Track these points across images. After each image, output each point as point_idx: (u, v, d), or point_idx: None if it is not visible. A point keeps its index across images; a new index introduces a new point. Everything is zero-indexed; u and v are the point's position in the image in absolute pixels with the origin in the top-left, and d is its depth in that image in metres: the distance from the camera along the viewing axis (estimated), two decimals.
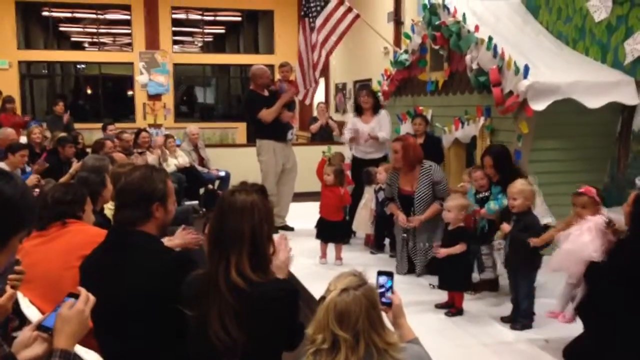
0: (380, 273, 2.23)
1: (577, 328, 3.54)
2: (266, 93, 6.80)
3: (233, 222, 2.04)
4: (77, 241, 2.78)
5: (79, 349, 2.31)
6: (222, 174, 9.19)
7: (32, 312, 2.64)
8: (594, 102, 5.07)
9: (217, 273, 2.01)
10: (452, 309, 4.29)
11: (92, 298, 1.72)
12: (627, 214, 3.18)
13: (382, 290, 2.17)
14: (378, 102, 6.62)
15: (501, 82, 5.27)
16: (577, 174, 5.38)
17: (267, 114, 6.66)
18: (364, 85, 6.92)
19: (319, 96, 12.19)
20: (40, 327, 1.65)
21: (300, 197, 7.46)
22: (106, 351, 2.37)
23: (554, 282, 4.66)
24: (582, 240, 3.36)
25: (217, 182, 9.07)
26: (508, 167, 4.56)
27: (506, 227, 4.04)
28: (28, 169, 7.25)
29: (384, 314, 1.98)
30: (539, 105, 4.96)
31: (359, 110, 6.54)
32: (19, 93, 13.13)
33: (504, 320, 4.09)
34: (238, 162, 9.05)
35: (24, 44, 14.06)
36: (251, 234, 2.04)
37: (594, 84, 5.11)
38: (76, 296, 1.71)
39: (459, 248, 4.22)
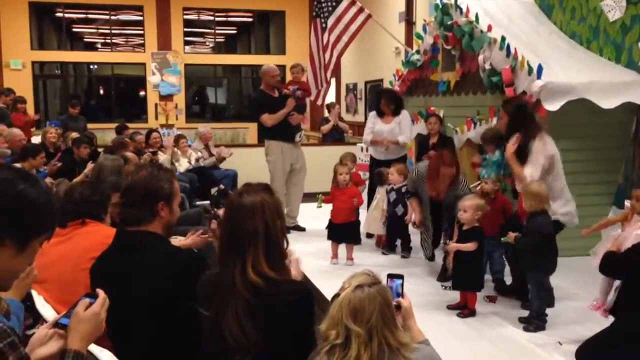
0: (390, 275, 2.22)
1: (590, 329, 3.52)
2: (276, 94, 6.78)
3: (246, 223, 2.04)
4: (88, 243, 2.77)
5: (93, 348, 2.32)
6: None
7: (47, 311, 2.64)
8: (608, 103, 5.03)
9: (233, 273, 2.01)
10: (465, 310, 4.26)
11: (107, 301, 1.73)
12: None
13: (393, 292, 2.17)
14: (399, 104, 6.50)
15: (514, 82, 5.24)
16: (591, 175, 5.35)
17: (267, 119, 6.66)
18: (383, 92, 6.79)
19: (330, 96, 12.20)
20: (57, 324, 1.66)
21: (312, 197, 7.45)
22: (120, 352, 2.38)
23: (570, 284, 4.65)
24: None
25: (227, 181, 9.07)
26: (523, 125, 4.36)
27: (512, 235, 4.03)
28: (42, 168, 7.31)
29: None
30: (552, 106, 4.94)
31: (380, 113, 6.48)
32: (32, 93, 13.24)
33: (521, 320, 4.07)
34: (248, 162, 9.07)
35: (37, 44, 14.18)
36: (265, 231, 2.05)
37: (608, 84, 5.07)
38: (93, 296, 1.71)
39: (470, 246, 4.20)
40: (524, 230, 3.98)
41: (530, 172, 4.23)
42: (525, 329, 3.95)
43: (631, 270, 3.10)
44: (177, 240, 3.18)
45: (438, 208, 5.16)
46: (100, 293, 1.72)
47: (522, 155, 4.32)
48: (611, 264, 3.28)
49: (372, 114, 6.61)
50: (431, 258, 5.51)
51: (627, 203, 3.87)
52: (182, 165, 8.40)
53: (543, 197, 3.97)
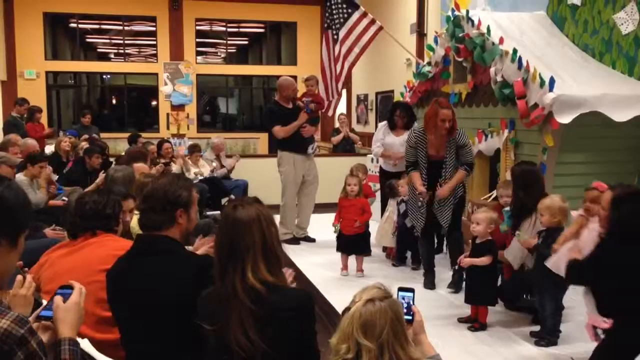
0: (401, 289, 2.22)
1: None
2: (290, 105, 6.82)
3: (244, 235, 2.08)
4: (98, 255, 2.79)
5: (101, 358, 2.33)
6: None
7: None
8: (621, 116, 5.00)
9: (233, 281, 2.04)
10: (476, 323, 4.23)
11: (84, 290, 1.88)
12: (603, 217, 3.18)
13: (403, 306, 2.16)
14: (412, 118, 6.50)
15: (526, 95, 5.22)
16: None
17: (279, 131, 6.69)
18: (399, 104, 6.77)
19: (341, 107, 12.21)
20: (40, 317, 1.80)
21: (322, 208, 7.46)
22: (136, 358, 2.39)
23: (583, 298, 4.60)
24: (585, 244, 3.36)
25: (237, 190, 9.10)
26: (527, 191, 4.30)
27: (531, 241, 3.99)
28: (55, 177, 7.35)
29: None
30: (564, 118, 4.91)
31: (392, 125, 6.47)
32: (45, 103, 13.35)
33: (532, 335, 4.03)
34: (258, 172, 9.09)
35: (51, 54, 14.31)
36: (262, 240, 2.10)
37: (621, 97, 5.05)
38: (68, 287, 1.87)
39: (484, 260, 4.16)
40: (545, 242, 3.89)
41: None
42: (537, 344, 3.92)
43: (599, 275, 3.07)
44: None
45: (437, 166, 5.08)
46: (75, 284, 1.88)
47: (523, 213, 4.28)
48: (577, 271, 3.24)
49: (382, 125, 6.61)
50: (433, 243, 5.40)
51: (574, 213, 3.81)
52: (193, 175, 8.44)
53: (566, 213, 3.94)
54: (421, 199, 5.08)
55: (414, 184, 5.15)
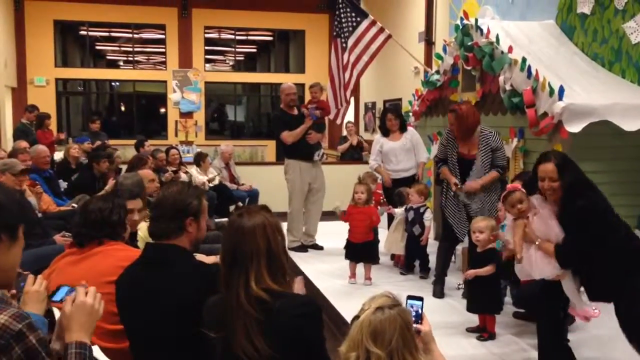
0: (409, 297, 2.20)
1: (615, 349, 3.45)
2: (296, 112, 6.85)
3: (248, 243, 2.07)
4: (104, 265, 2.72)
5: None
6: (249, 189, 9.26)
7: None
8: (630, 125, 4.98)
9: (237, 290, 2.03)
10: (484, 333, 4.21)
11: (92, 290, 1.86)
12: (557, 187, 3.28)
13: (412, 315, 2.15)
14: (404, 121, 6.63)
15: (535, 103, 5.21)
16: (613, 198, 5.21)
17: (287, 136, 6.73)
18: (388, 109, 6.92)
19: (348, 115, 12.23)
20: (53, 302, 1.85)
21: (330, 215, 7.45)
22: None
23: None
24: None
25: (247, 200, 9.12)
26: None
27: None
28: (64, 184, 7.38)
29: None
30: (574, 127, 4.90)
31: (385, 132, 6.54)
32: (55, 110, 13.45)
33: None
34: (266, 180, 9.11)
35: (61, 61, 14.42)
36: (267, 248, 2.08)
37: (630, 106, 5.03)
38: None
39: (488, 269, 4.15)
40: None
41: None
42: None
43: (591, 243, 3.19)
44: (202, 258, 3.20)
45: (469, 165, 5.06)
46: (80, 288, 1.86)
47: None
48: (568, 252, 3.26)
49: (377, 137, 6.71)
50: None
51: (508, 222, 3.80)
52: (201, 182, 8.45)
53: None
54: (454, 189, 5.05)
55: (446, 177, 5.14)
